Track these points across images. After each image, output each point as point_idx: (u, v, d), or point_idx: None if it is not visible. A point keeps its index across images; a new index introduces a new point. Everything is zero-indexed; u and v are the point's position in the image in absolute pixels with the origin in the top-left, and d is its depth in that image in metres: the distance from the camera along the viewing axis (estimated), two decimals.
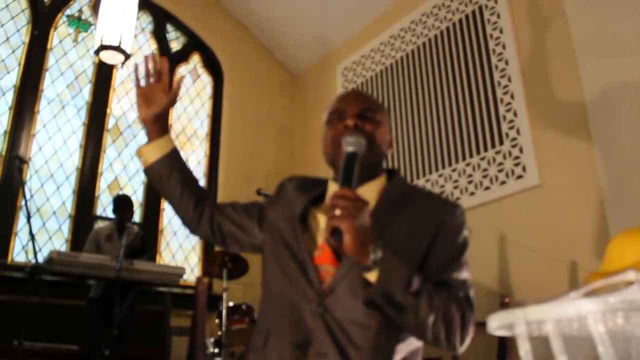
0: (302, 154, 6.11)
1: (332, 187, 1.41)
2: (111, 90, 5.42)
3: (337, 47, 5.96)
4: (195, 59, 6.11)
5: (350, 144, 1.20)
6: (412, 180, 4.70)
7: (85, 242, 4.24)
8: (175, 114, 5.79)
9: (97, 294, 3.91)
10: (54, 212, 4.83)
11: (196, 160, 5.81)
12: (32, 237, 3.25)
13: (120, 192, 5.14)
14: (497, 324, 0.90)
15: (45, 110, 5.01)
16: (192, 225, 1.50)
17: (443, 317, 1.16)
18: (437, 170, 4.54)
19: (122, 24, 4.08)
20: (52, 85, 5.11)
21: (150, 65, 1.48)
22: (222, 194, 5.70)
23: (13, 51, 4.99)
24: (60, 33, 5.30)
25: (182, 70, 5.98)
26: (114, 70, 5.47)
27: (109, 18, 4.09)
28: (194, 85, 6.03)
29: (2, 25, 5.00)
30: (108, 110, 5.35)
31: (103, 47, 4.04)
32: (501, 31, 4.30)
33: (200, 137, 5.93)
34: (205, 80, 6.13)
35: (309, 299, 1.23)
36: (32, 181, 4.81)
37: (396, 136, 4.97)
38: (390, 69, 5.21)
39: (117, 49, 4.04)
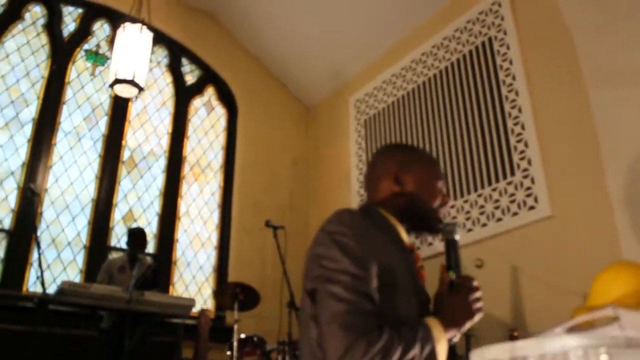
0: (315, 185, 6.13)
1: (403, 234, 1.42)
2: (127, 123, 5.52)
3: (350, 79, 6.02)
4: (210, 92, 6.20)
5: (456, 233, 1.36)
6: None
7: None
8: (189, 146, 5.87)
9: (108, 325, 3.92)
10: (69, 243, 4.88)
11: (210, 192, 5.86)
12: (41, 267, 3.28)
13: (135, 224, 5.19)
14: (479, 359, 0.89)
15: (62, 142, 5.11)
16: None
17: None
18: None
19: (136, 58, 4.17)
20: (70, 118, 5.22)
21: None
22: (236, 224, 5.72)
23: (32, 85, 5.12)
24: (79, 67, 5.43)
25: (197, 102, 6.08)
26: (130, 103, 5.57)
27: (124, 52, 4.18)
28: (208, 117, 6.11)
29: (23, 60, 5.14)
30: (123, 143, 5.44)
31: (117, 81, 4.12)
32: (511, 62, 4.32)
33: (215, 168, 5.98)
34: (220, 113, 6.21)
35: None
36: (48, 212, 4.88)
37: None
38: (402, 100, 5.25)
39: (131, 82, 4.12)
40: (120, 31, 4.31)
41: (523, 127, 4.11)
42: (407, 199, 1.41)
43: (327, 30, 5.64)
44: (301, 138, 6.45)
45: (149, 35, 4.33)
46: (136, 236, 4.24)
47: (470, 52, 4.69)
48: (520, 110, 4.17)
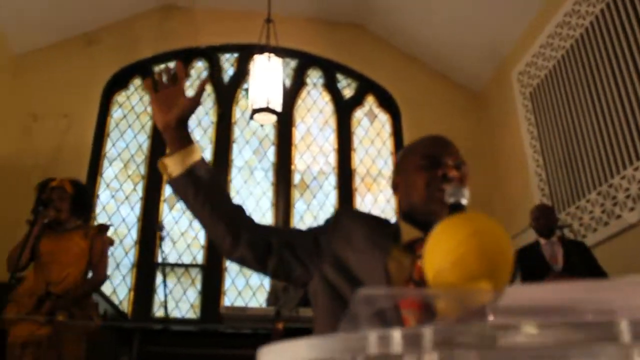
0: (494, 175, 5.65)
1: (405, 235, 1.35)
2: (293, 148, 5.76)
3: (509, 52, 5.49)
4: (370, 101, 6.16)
5: (461, 196, 1.13)
6: (603, 181, 4.03)
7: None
8: (357, 158, 5.89)
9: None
10: None
11: (385, 200, 5.78)
12: (165, 296, 3.53)
13: None
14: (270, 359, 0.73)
15: (236, 178, 5.53)
16: (233, 249, 1.29)
17: None
18: (631, 164, 3.81)
19: (268, 85, 4.34)
20: (240, 154, 5.64)
21: (165, 78, 1.31)
22: None
23: (205, 131, 5.66)
24: (242, 106, 5.85)
25: (359, 114, 6.09)
26: (293, 129, 5.81)
27: (258, 83, 4.39)
28: (372, 126, 6.08)
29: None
30: (292, 167, 5.68)
31: (255, 111, 4.33)
32: None
33: (386, 176, 5.90)
34: (383, 119, 6.12)
35: None
36: None
37: (578, 136, 4.36)
38: (563, 61, 4.61)
39: (267, 109, 4.29)
40: (251, 65, 4.55)
41: None
42: (403, 203, 1.39)
43: (473, 8, 5.23)
44: (473, 127, 5.98)
45: (277, 61, 4.50)
46: None
47: None
48: None
